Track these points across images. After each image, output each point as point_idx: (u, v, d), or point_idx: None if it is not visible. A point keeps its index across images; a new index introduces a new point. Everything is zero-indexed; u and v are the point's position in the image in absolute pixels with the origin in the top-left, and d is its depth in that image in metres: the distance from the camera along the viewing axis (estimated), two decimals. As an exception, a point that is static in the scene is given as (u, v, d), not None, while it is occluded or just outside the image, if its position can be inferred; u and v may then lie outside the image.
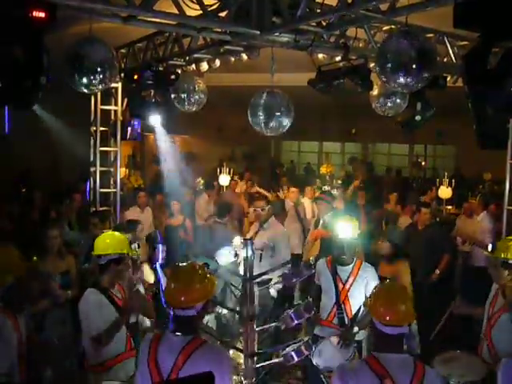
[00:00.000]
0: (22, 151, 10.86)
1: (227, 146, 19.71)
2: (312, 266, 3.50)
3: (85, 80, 4.71)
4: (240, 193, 12.06)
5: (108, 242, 4.48)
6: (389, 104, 5.86)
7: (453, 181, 12.14)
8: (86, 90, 4.89)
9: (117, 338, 4.27)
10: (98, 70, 4.66)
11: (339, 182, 14.63)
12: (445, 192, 11.70)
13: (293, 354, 3.42)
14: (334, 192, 9.87)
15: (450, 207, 11.95)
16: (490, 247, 4.88)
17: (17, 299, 3.78)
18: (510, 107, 3.64)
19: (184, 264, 3.25)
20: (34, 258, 4.76)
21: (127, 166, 16.00)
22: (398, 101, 5.88)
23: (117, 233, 4.78)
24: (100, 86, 4.89)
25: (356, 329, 4.98)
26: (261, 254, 4.79)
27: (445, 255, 7.61)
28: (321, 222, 7.66)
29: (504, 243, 4.69)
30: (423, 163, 19.66)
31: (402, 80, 4.05)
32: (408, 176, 19.22)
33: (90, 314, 4.21)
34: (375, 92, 5.92)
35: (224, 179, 13.17)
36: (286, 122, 5.29)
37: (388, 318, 2.97)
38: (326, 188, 10.45)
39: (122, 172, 12.37)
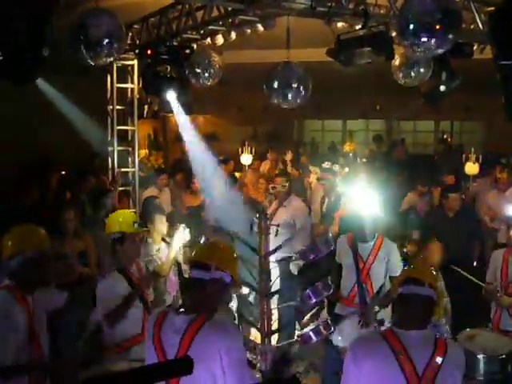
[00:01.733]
0: (38, 133, 10.86)
1: (249, 125, 19.52)
2: (330, 243, 3.30)
3: (91, 52, 4.56)
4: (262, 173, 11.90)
5: (112, 221, 4.47)
6: (412, 74, 5.59)
7: (480, 156, 11.79)
8: (93, 63, 4.74)
9: (132, 318, 4.19)
10: (105, 41, 4.52)
11: (364, 160, 14.39)
12: (471, 168, 11.35)
13: (311, 333, 3.30)
14: (336, 168, 9.66)
15: (475, 184, 11.61)
16: None
17: (31, 278, 3.58)
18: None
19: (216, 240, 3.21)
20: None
21: (148, 145, 15.93)
22: (422, 70, 5.61)
23: (125, 211, 4.73)
24: (107, 59, 4.74)
25: (377, 308, 4.83)
26: (277, 230, 4.61)
27: (478, 242, 7.33)
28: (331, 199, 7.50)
29: None
30: (449, 140, 19.22)
31: (424, 42, 3.81)
32: (433, 153, 18.80)
33: (106, 293, 4.16)
34: (397, 62, 5.65)
35: (246, 159, 13.04)
36: (303, 94, 5.08)
37: (411, 273, 2.99)
38: (327, 165, 10.13)
39: (141, 152, 12.33)
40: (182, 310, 2.88)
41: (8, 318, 3.38)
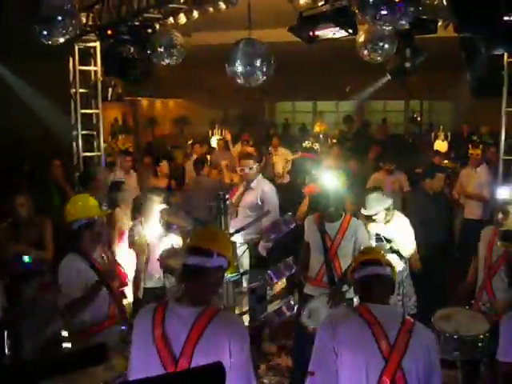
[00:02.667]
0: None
1: (220, 108, 19.37)
2: (291, 222, 3.24)
3: (44, 30, 4.40)
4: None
5: (76, 207, 4.29)
6: (376, 50, 5.53)
7: (449, 134, 11.91)
8: (48, 42, 4.58)
9: (97, 304, 4.08)
10: (58, 18, 4.36)
11: (334, 140, 14.41)
12: (441, 145, 11.48)
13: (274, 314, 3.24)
14: (316, 146, 9.69)
15: (446, 161, 11.73)
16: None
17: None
18: (506, 37, 3.35)
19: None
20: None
21: (115, 129, 15.68)
22: (387, 46, 5.54)
23: (85, 196, 4.60)
24: (62, 38, 4.58)
25: (346, 287, 4.80)
26: (237, 211, 4.59)
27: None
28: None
29: None
30: (419, 119, 19.37)
31: (385, 15, 3.75)
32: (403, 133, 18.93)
33: (70, 280, 4.03)
34: (361, 38, 5.58)
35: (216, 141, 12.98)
36: (267, 72, 4.98)
37: (368, 255, 3.03)
38: (308, 144, 10.16)
39: (107, 136, 12.11)
40: (184, 300, 2.73)
41: None
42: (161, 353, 2.63)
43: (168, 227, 5.34)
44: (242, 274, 3.96)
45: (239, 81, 5.02)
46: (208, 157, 10.98)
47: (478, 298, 4.92)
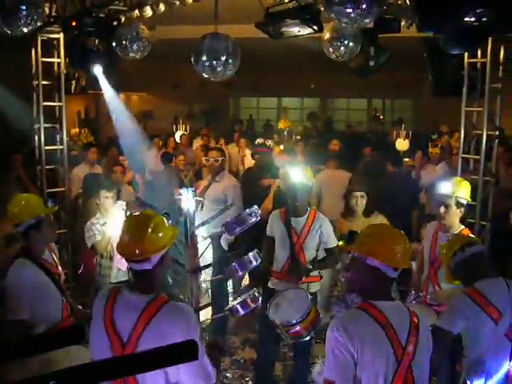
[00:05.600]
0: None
1: (184, 103, 19.28)
2: (256, 214, 3.26)
3: (8, 21, 4.30)
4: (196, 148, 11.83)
5: (20, 208, 4.08)
6: (341, 48, 5.60)
7: (410, 133, 12.12)
8: (11, 33, 4.49)
9: (51, 306, 3.99)
10: (22, 8, 4.28)
11: (298, 137, 14.51)
12: (402, 144, 11.67)
13: (238, 306, 3.26)
14: (269, 143, 9.80)
15: (407, 159, 11.96)
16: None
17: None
18: (467, 38, 3.45)
19: (137, 213, 3.02)
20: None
21: (78, 123, 15.45)
22: (351, 44, 5.63)
23: (26, 195, 4.50)
24: (25, 28, 4.50)
25: (310, 266, 4.92)
26: (202, 204, 4.57)
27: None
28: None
29: (458, 182, 4.94)
30: (381, 117, 19.66)
31: (349, 13, 3.81)
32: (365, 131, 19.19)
33: (23, 286, 3.84)
34: (326, 35, 5.66)
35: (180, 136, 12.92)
36: (232, 67, 5.00)
37: (400, 259, 2.80)
38: (260, 141, 10.26)
39: (72, 130, 11.93)
40: (135, 287, 2.76)
41: None
42: (110, 337, 2.69)
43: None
44: (205, 267, 3.98)
45: (205, 75, 5.03)
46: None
47: (425, 290, 5.06)
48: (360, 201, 5.67)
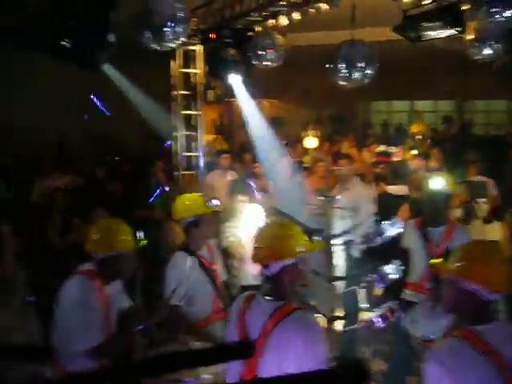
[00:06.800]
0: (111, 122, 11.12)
1: (313, 109, 19.28)
2: (398, 225, 3.17)
3: (156, 36, 4.56)
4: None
5: (183, 206, 4.43)
6: (486, 49, 5.28)
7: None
8: (158, 48, 4.75)
9: (204, 299, 4.28)
10: (169, 25, 4.51)
11: (432, 141, 13.93)
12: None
13: (376, 319, 3.19)
14: (392, 150, 9.42)
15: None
16: None
17: (113, 271, 3.69)
18: None
19: (275, 222, 3.12)
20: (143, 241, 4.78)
21: (214, 130, 16.01)
22: (497, 45, 5.29)
23: (191, 194, 4.75)
24: (172, 43, 4.74)
25: None
26: (342, 214, 4.52)
27: None
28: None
29: None
30: (525, 119, 18.31)
31: (498, 12, 3.58)
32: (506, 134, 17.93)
33: (180, 276, 4.19)
34: (469, 36, 5.36)
35: (311, 142, 12.90)
36: (369, 74, 4.90)
37: (499, 281, 2.45)
38: (382, 148, 9.89)
39: (208, 137, 12.38)
40: (268, 296, 2.84)
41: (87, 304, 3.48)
42: (240, 336, 2.79)
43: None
44: (341, 279, 3.93)
45: (341, 83, 4.99)
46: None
47: None
48: (482, 207, 5.33)
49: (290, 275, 2.82)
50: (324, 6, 5.80)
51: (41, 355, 1.60)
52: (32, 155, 10.45)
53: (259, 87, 7.25)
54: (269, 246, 2.81)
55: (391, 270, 3.15)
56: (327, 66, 4.85)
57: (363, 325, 3.30)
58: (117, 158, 10.62)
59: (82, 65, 3.63)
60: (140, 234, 5.80)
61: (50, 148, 11.16)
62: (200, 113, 8.47)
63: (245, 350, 1.35)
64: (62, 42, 3.61)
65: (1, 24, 7.68)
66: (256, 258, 2.87)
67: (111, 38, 3.60)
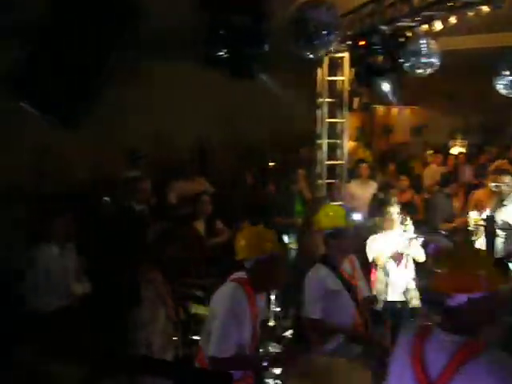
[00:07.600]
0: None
1: (460, 115, 18.27)
2: None
3: (309, 44, 4.54)
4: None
5: (325, 216, 4.43)
6: None
7: None
8: (311, 56, 4.73)
9: (342, 313, 4.20)
10: (323, 33, 4.47)
11: None
12: None
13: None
14: None
15: None
16: None
17: (265, 277, 3.67)
18: None
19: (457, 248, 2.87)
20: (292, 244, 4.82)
21: (357, 138, 15.78)
22: None
23: (335, 206, 4.72)
24: (323, 50, 4.69)
25: None
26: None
27: None
28: None
29: None
30: None
31: None
32: None
33: (318, 287, 4.18)
34: None
35: (457, 152, 12.29)
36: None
37: None
38: None
39: (350, 144, 12.24)
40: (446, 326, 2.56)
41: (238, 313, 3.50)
42: (417, 375, 2.52)
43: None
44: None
45: (504, 92, 4.62)
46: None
47: None
48: None
49: (478, 310, 2.50)
50: (485, 9, 5.42)
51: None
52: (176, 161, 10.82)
53: (402, 93, 6.95)
54: (455, 274, 2.50)
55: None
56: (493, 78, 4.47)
57: None
58: (271, 164, 10.68)
59: (238, 75, 3.69)
60: (286, 238, 5.85)
61: (192, 155, 11.50)
62: (345, 120, 8.37)
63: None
64: (218, 53, 3.70)
65: (145, 37, 8.01)
66: (436, 286, 2.58)
67: (266, 48, 3.62)
